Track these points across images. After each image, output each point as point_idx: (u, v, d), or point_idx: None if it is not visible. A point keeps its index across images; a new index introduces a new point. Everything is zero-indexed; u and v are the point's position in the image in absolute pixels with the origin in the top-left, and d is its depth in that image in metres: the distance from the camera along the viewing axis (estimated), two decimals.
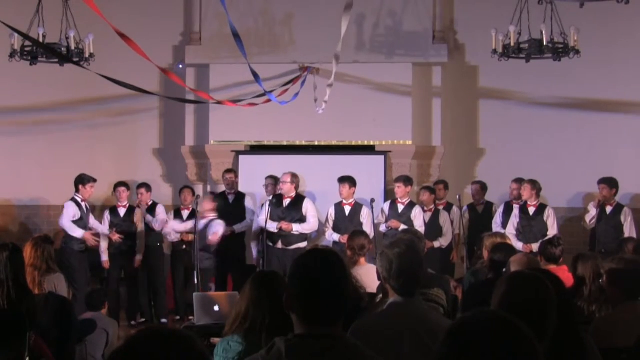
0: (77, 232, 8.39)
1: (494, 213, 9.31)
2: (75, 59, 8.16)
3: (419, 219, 8.70)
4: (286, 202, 8.79)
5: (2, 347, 3.46)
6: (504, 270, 4.96)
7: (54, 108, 10.62)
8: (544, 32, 7.95)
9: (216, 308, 5.60)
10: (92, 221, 8.81)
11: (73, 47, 8.24)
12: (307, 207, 8.80)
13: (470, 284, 5.79)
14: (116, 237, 8.78)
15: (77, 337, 5.01)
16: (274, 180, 9.18)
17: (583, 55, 8.27)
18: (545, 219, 8.59)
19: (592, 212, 9.01)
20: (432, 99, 10.27)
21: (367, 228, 8.41)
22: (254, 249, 9.10)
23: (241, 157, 10.06)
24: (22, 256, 4.42)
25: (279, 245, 8.69)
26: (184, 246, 9.27)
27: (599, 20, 9.49)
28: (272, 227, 8.62)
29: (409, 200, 8.93)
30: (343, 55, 7.27)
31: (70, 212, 8.49)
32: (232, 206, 9.28)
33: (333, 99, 8.59)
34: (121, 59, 9.10)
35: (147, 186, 9.39)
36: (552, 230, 8.42)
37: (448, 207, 9.45)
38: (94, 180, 8.70)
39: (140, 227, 9.03)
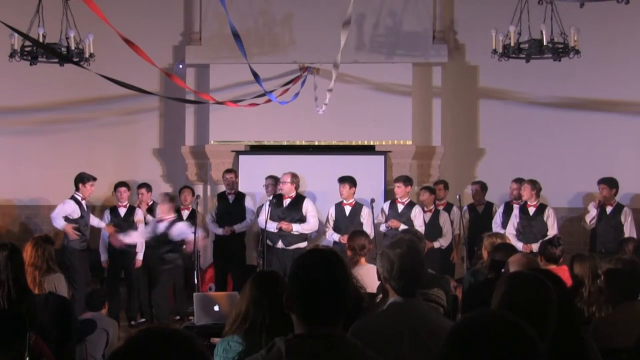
0: (59, 223, 8.39)
1: (494, 213, 9.31)
2: (75, 59, 8.16)
3: (418, 219, 8.71)
4: (286, 202, 8.79)
5: (2, 347, 3.46)
6: (502, 270, 4.96)
7: (54, 108, 10.63)
8: (544, 32, 7.95)
9: (216, 308, 5.61)
10: (93, 219, 8.82)
11: (73, 47, 8.24)
12: (307, 207, 8.81)
13: (470, 284, 5.79)
14: (112, 230, 8.76)
15: (77, 337, 5.02)
16: (274, 180, 9.18)
17: (583, 55, 8.26)
18: (545, 219, 8.59)
19: (592, 212, 9.01)
20: (432, 99, 10.27)
21: (367, 228, 8.40)
22: (254, 249, 9.10)
23: (241, 157, 10.06)
24: (22, 256, 4.42)
25: (279, 245, 8.69)
26: (184, 246, 9.26)
27: (599, 20, 9.49)
28: (272, 227, 8.62)
29: (409, 200, 8.93)
30: (343, 55, 7.28)
31: (67, 208, 8.51)
32: (232, 206, 9.28)
33: (333, 99, 8.60)
34: (121, 59, 9.08)
35: (147, 186, 9.40)
36: (552, 231, 8.42)
37: (448, 208, 9.45)
38: (94, 179, 8.71)
39: (141, 227, 9.02)
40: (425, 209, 9.15)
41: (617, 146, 10.08)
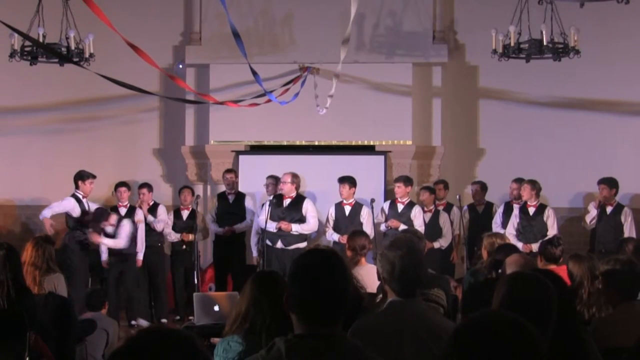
0: (43, 214, 8.38)
1: (494, 213, 9.31)
2: (75, 59, 8.16)
3: (418, 219, 8.71)
4: (286, 202, 8.79)
5: (2, 347, 3.47)
6: (500, 271, 4.96)
7: (54, 108, 10.62)
8: (544, 32, 7.95)
9: (216, 308, 5.61)
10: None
11: (73, 47, 8.24)
12: (307, 207, 8.81)
13: (470, 284, 5.80)
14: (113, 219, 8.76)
15: (77, 337, 5.01)
16: (274, 180, 9.17)
17: (583, 55, 8.27)
18: (545, 219, 8.59)
19: (593, 212, 9.01)
20: (432, 99, 10.27)
21: (367, 228, 8.41)
22: (253, 248, 9.10)
23: (241, 157, 10.06)
24: (18, 255, 4.41)
25: (279, 245, 8.69)
26: (184, 246, 9.28)
27: (599, 20, 9.49)
28: (272, 227, 8.62)
29: (409, 200, 8.93)
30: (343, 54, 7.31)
31: (65, 205, 8.49)
32: (232, 206, 9.29)
33: (333, 99, 8.61)
34: (121, 59, 9.09)
35: (148, 186, 9.40)
36: (552, 231, 8.43)
37: (448, 208, 9.45)
38: (93, 177, 8.69)
39: (141, 227, 9.02)
40: (425, 209, 9.15)
41: (617, 146, 10.08)
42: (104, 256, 8.95)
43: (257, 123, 9.86)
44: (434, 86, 10.28)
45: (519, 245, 8.03)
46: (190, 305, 6.60)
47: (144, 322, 8.92)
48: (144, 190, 9.33)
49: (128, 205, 9.14)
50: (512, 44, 8.13)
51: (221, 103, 8.65)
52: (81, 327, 5.21)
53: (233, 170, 9.58)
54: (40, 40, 8.00)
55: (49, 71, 9.25)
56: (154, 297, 9.32)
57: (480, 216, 9.52)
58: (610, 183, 8.91)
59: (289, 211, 8.76)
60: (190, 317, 7.28)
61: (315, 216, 8.82)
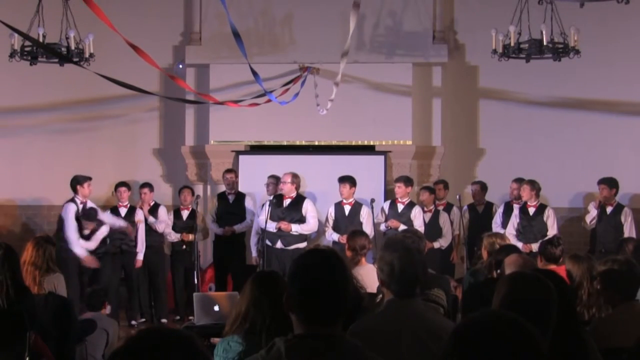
0: (78, 250, 8.24)
1: (494, 213, 9.31)
2: (75, 59, 8.16)
3: (418, 219, 8.71)
4: (286, 202, 8.79)
5: (2, 347, 3.47)
6: (499, 271, 4.97)
7: (54, 108, 10.62)
8: (544, 32, 7.95)
9: (216, 308, 5.61)
10: (102, 215, 8.73)
11: (73, 47, 8.24)
12: (307, 207, 8.81)
13: (469, 284, 5.80)
14: (130, 229, 8.76)
15: (77, 337, 5.02)
16: (275, 180, 9.17)
17: (583, 55, 8.26)
18: (545, 219, 8.59)
19: (593, 212, 9.01)
20: (432, 99, 10.27)
21: (367, 227, 8.42)
22: (253, 248, 9.10)
23: (241, 157, 10.06)
24: (17, 255, 4.41)
25: (278, 245, 8.70)
26: (184, 246, 9.28)
27: (599, 20, 9.48)
28: (272, 227, 8.62)
29: (409, 200, 8.93)
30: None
31: (69, 215, 8.44)
32: (232, 206, 9.29)
33: (333, 99, 8.61)
34: (121, 59, 9.10)
35: (150, 186, 9.41)
36: (552, 231, 8.43)
37: (448, 208, 9.45)
38: (90, 178, 8.64)
39: (141, 227, 9.03)
40: (425, 209, 9.15)
41: (617, 146, 10.08)
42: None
43: (257, 123, 9.86)
44: (434, 86, 10.28)
45: (519, 245, 8.03)
46: (190, 305, 6.60)
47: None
48: (146, 190, 9.33)
49: (128, 205, 9.14)
50: (512, 44, 8.13)
51: (221, 103, 8.65)
52: (81, 327, 5.21)
53: (233, 170, 9.58)
54: (40, 40, 8.00)
55: (49, 71, 9.24)
56: (154, 297, 9.32)
57: (480, 216, 9.52)
58: (610, 183, 8.91)
59: (289, 211, 8.76)
60: (190, 317, 7.28)
61: (315, 216, 8.82)
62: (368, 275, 4.60)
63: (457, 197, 9.00)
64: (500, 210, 9.16)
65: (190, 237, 9.15)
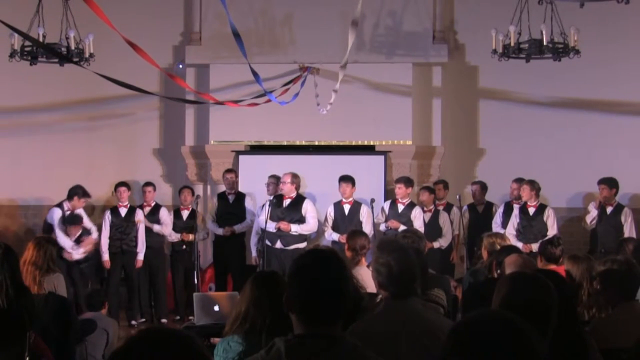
0: (76, 256, 8.49)
1: (494, 213, 9.31)
2: (75, 59, 8.16)
3: (418, 220, 8.71)
4: (286, 202, 8.79)
5: (2, 347, 3.46)
6: (499, 271, 4.96)
7: (54, 108, 10.62)
8: (544, 32, 7.95)
9: (216, 308, 5.61)
10: (87, 222, 8.87)
11: (73, 47, 8.24)
12: (307, 207, 8.81)
13: (469, 284, 5.80)
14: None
15: (77, 337, 5.01)
16: (276, 180, 9.17)
17: (583, 55, 8.26)
18: (545, 219, 8.59)
19: (593, 212, 9.01)
20: (432, 99, 10.27)
21: (367, 227, 8.42)
22: (253, 249, 9.10)
23: (241, 157, 10.06)
24: (17, 255, 4.41)
25: (278, 245, 8.70)
26: (184, 246, 9.28)
27: (599, 20, 9.48)
28: (271, 227, 8.63)
29: (409, 200, 8.93)
30: (342, 54, 7.32)
31: (61, 227, 8.59)
32: (232, 206, 9.29)
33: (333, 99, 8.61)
34: (121, 59, 9.10)
35: (153, 185, 9.43)
36: (552, 231, 8.43)
37: (448, 208, 9.45)
38: (89, 196, 8.88)
39: (141, 227, 9.03)
40: (425, 209, 9.15)
41: (617, 146, 10.07)
42: (105, 256, 8.97)
43: (257, 123, 9.86)
44: (434, 86, 10.28)
45: (519, 245, 8.03)
46: (190, 305, 6.60)
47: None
48: (150, 189, 9.35)
49: (128, 205, 9.15)
50: (512, 44, 8.13)
51: (221, 103, 8.65)
52: (81, 327, 5.21)
53: (233, 170, 9.58)
54: (40, 40, 8.00)
55: (49, 71, 9.24)
56: (154, 297, 9.32)
57: (480, 216, 9.52)
58: (610, 183, 8.90)
59: (289, 211, 8.76)
60: (190, 317, 7.28)
61: (315, 216, 8.83)
62: (368, 275, 4.60)
63: (457, 197, 9.00)
64: (500, 210, 9.16)
65: (190, 237, 9.15)
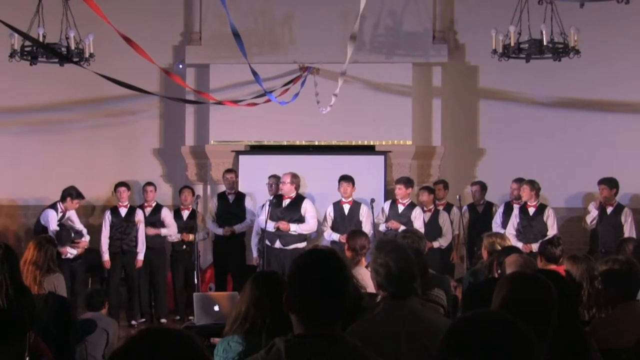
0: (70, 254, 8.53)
1: (494, 213, 9.31)
2: (75, 59, 8.16)
3: (419, 220, 8.71)
4: (286, 202, 8.80)
5: (2, 347, 3.46)
6: (499, 271, 4.96)
7: (54, 108, 10.63)
8: (544, 32, 7.95)
9: (216, 308, 5.61)
10: (79, 225, 8.92)
11: (73, 47, 8.24)
12: (306, 207, 8.81)
13: (469, 284, 5.80)
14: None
15: (77, 337, 5.02)
16: (277, 180, 9.17)
17: (583, 55, 8.26)
18: (545, 219, 8.59)
19: (593, 212, 9.00)
20: (432, 99, 10.26)
21: (367, 227, 8.42)
22: (254, 249, 9.10)
23: (241, 157, 10.06)
24: (17, 255, 4.41)
25: (277, 245, 8.70)
26: (184, 246, 9.28)
27: (599, 20, 9.48)
28: (271, 227, 8.63)
29: (410, 200, 8.93)
30: (342, 54, 7.31)
31: (51, 219, 8.63)
32: (232, 206, 9.29)
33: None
34: (121, 59, 9.10)
35: (154, 185, 9.44)
36: (552, 231, 8.43)
37: (448, 208, 9.45)
38: (83, 198, 8.88)
39: (141, 227, 9.03)
40: (425, 209, 9.15)
41: (617, 146, 10.07)
42: (105, 256, 8.97)
43: (257, 123, 9.86)
44: (434, 86, 10.27)
45: (519, 245, 8.03)
46: (190, 305, 6.61)
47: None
48: (151, 188, 9.35)
49: (128, 205, 9.15)
50: (512, 44, 8.13)
51: (220, 102, 8.65)
52: (81, 327, 5.21)
53: (233, 170, 9.58)
54: (40, 40, 8.00)
55: (49, 71, 9.24)
56: (154, 297, 9.32)
57: (480, 216, 9.52)
58: (610, 183, 8.90)
59: (288, 211, 8.77)
60: (190, 317, 7.28)
61: (314, 216, 8.83)
62: (368, 275, 4.60)
63: (457, 197, 9.00)
64: (500, 210, 9.16)
65: (191, 237, 9.15)
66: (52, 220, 8.64)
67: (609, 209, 8.91)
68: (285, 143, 10.27)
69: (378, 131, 10.01)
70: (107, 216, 9.10)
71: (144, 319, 9.24)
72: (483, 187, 9.65)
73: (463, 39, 10.50)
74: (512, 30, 8.12)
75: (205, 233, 9.48)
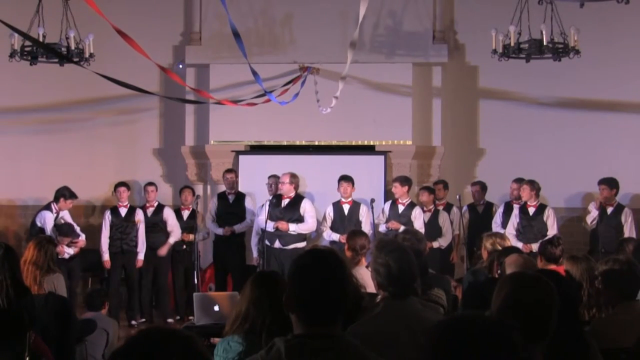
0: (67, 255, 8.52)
1: (494, 213, 9.31)
2: (75, 59, 8.16)
3: (419, 220, 8.71)
4: (285, 202, 8.80)
5: (2, 347, 3.47)
6: (499, 271, 4.96)
7: (54, 108, 10.63)
8: (544, 32, 7.95)
9: (216, 308, 5.61)
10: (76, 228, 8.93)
11: (73, 47, 8.24)
12: (306, 207, 8.81)
13: (469, 283, 5.79)
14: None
15: (77, 337, 5.01)
16: (276, 180, 9.17)
17: (583, 55, 8.26)
18: (545, 219, 8.59)
19: (593, 212, 9.00)
20: (432, 99, 10.27)
21: (366, 226, 8.42)
22: (254, 249, 9.10)
23: (241, 157, 10.06)
24: (17, 255, 4.41)
25: (276, 244, 8.70)
26: (184, 246, 9.28)
27: (599, 20, 9.48)
28: (270, 226, 8.63)
29: (410, 201, 8.93)
30: (342, 54, 7.33)
31: (48, 221, 8.66)
32: (232, 206, 9.29)
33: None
34: (121, 58, 9.11)
35: (155, 185, 9.44)
36: (552, 230, 8.43)
37: (448, 208, 9.45)
38: (76, 197, 8.89)
39: (141, 227, 9.03)
40: (425, 209, 9.15)
41: (617, 146, 10.08)
42: (105, 256, 8.97)
43: (257, 123, 9.87)
44: (434, 86, 10.28)
45: (519, 245, 8.03)
46: (190, 305, 6.60)
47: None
48: (152, 188, 9.35)
49: (128, 205, 9.15)
50: (512, 44, 8.12)
51: (219, 102, 8.65)
52: (81, 327, 5.21)
53: (233, 170, 9.58)
54: (40, 40, 8.00)
55: (49, 71, 9.24)
56: (157, 297, 9.33)
57: (480, 216, 9.52)
58: (610, 183, 8.90)
59: (287, 211, 8.77)
60: (190, 317, 7.28)
61: (313, 216, 8.83)
62: (368, 275, 4.60)
63: (457, 197, 9.00)
64: (500, 210, 9.16)
65: (191, 237, 9.15)
66: (49, 221, 8.64)
67: (609, 209, 8.90)
68: (285, 143, 10.27)
69: (378, 131, 10.01)
70: (107, 216, 9.10)
71: (144, 319, 9.24)
72: (483, 187, 9.65)
73: (463, 39, 10.50)
74: (512, 30, 8.12)
75: (205, 233, 9.48)
